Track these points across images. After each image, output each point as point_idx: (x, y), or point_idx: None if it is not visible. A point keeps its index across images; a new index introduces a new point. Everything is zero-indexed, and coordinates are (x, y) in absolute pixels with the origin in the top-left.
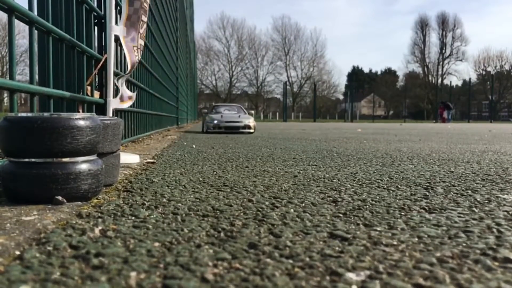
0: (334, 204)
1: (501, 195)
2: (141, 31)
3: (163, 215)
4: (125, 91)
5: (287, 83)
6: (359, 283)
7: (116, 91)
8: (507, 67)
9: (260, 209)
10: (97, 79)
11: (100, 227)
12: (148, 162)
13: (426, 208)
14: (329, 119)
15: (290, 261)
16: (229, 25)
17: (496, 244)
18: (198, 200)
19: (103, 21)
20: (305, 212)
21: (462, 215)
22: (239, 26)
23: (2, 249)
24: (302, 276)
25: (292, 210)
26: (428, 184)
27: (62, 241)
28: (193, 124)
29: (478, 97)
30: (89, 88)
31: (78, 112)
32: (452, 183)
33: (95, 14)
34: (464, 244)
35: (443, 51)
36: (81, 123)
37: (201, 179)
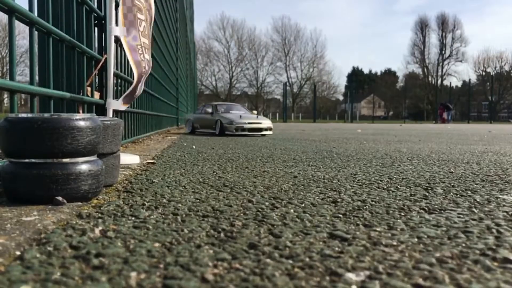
0: (334, 204)
1: (500, 196)
2: (141, 29)
3: (163, 216)
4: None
5: (287, 83)
6: (358, 283)
7: (116, 92)
8: (506, 68)
9: (260, 209)
10: (97, 80)
11: (100, 228)
12: (148, 163)
13: (426, 208)
14: (329, 119)
15: (290, 261)
16: (229, 26)
17: (496, 244)
18: (198, 200)
19: (103, 22)
20: (305, 213)
21: (461, 216)
22: (239, 27)
23: (3, 249)
24: (302, 276)
25: (292, 210)
26: (427, 185)
27: (63, 242)
28: None
29: (477, 98)
30: (89, 88)
31: (78, 112)
32: (452, 184)
33: (95, 15)
34: (464, 245)
35: (443, 52)
36: (81, 123)
37: (201, 179)
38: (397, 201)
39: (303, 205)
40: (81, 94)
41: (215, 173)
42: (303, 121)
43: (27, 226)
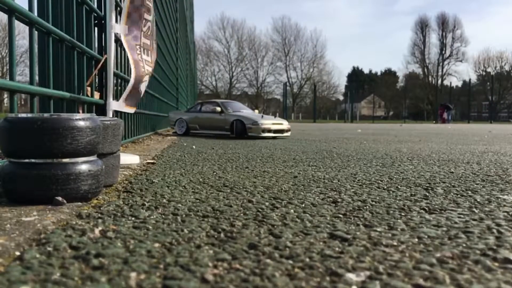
0: (334, 204)
1: (501, 196)
2: (144, 29)
3: (163, 216)
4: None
5: (287, 83)
6: (359, 284)
7: (116, 92)
8: (507, 67)
9: (260, 209)
10: (97, 80)
11: (100, 228)
12: (148, 163)
13: (426, 208)
14: (329, 119)
15: (290, 261)
16: (229, 26)
17: (496, 244)
18: (198, 200)
19: (103, 21)
20: (305, 213)
21: (462, 216)
22: (239, 27)
23: (2, 250)
24: (302, 277)
25: (292, 210)
26: (428, 185)
27: (62, 242)
28: None
29: (478, 97)
30: (89, 88)
31: (78, 112)
32: (452, 184)
33: (95, 14)
34: (464, 245)
35: (443, 51)
36: (81, 123)
37: (201, 179)
38: (397, 201)
39: (303, 205)
40: (81, 94)
41: (215, 173)
42: (303, 121)
43: (27, 226)
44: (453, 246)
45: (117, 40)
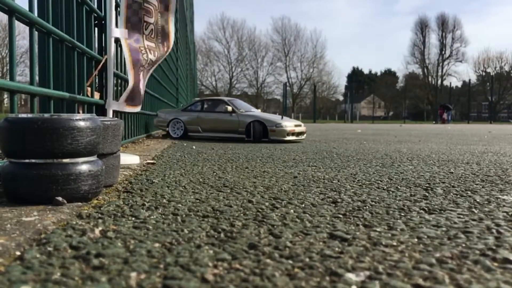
0: (334, 205)
1: (500, 196)
2: (146, 32)
3: (163, 216)
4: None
5: (287, 84)
6: (358, 284)
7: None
8: (506, 68)
9: (260, 209)
10: (97, 80)
11: (100, 228)
12: (148, 163)
13: (426, 209)
14: (329, 120)
15: (290, 261)
16: (229, 26)
17: (496, 244)
18: (198, 201)
19: (103, 22)
20: (305, 213)
21: (461, 216)
22: (239, 27)
23: (3, 250)
24: (302, 277)
25: (292, 211)
26: (427, 185)
27: (63, 242)
28: None
29: (477, 98)
30: (89, 89)
31: (79, 113)
32: (452, 184)
33: (95, 15)
34: (464, 245)
35: (443, 52)
36: (82, 124)
37: (201, 180)
38: (397, 201)
39: (303, 205)
40: (81, 94)
41: (215, 173)
42: (303, 121)
43: (27, 226)
44: (452, 246)
45: (117, 41)
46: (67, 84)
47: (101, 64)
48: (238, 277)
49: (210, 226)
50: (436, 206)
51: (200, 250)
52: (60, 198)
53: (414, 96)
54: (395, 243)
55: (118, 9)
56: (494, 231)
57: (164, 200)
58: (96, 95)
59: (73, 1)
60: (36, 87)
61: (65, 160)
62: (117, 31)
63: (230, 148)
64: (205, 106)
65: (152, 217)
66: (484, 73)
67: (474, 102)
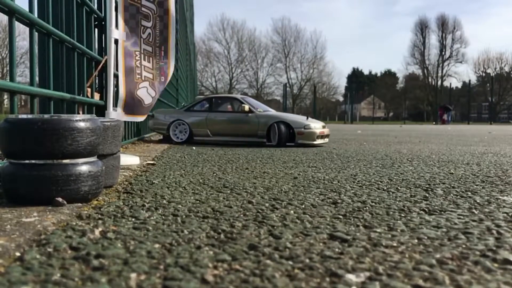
0: (334, 205)
1: (500, 197)
2: (144, 36)
3: (163, 217)
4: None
5: (287, 84)
6: (358, 284)
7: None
8: (506, 69)
9: (260, 210)
10: (97, 81)
11: (100, 229)
12: (148, 164)
13: (426, 209)
14: (329, 120)
15: (290, 262)
16: (229, 27)
17: (496, 245)
18: (198, 201)
19: (103, 23)
20: (305, 214)
21: (461, 217)
22: (239, 28)
23: (3, 250)
24: (302, 278)
25: (292, 211)
26: (428, 186)
27: (62, 243)
28: None
29: (477, 99)
30: (89, 89)
31: (79, 113)
32: (452, 185)
33: (95, 16)
34: (464, 246)
35: (443, 53)
36: (82, 124)
37: (201, 180)
38: (397, 202)
39: (303, 206)
40: (81, 95)
41: (215, 174)
42: None
43: (27, 227)
44: (452, 247)
45: (117, 42)
46: (67, 85)
47: (101, 64)
48: (238, 278)
49: (210, 227)
50: (436, 207)
51: (200, 251)
52: (60, 199)
53: (414, 97)
54: (395, 244)
55: (118, 12)
56: (494, 232)
57: (164, 201)
58: (96, 96)
59: (73, 2)
60: (36, 88)
61: (65, 161)
62: (116, 32)
63: (230, 148)
64: (214, 105)
65: (152, 218)
66: (484, 74)
67: (474, 103)
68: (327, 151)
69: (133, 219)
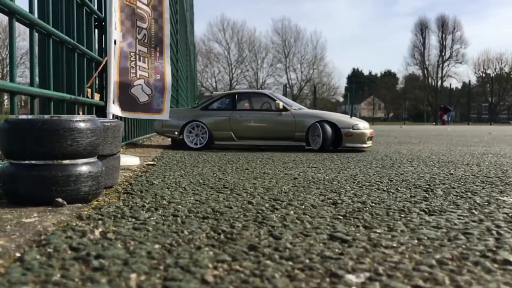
0: (334, 206)
1: (500, 197)
2: (139, 37)
3: (163, 217)
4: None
5: (287, 85)
6: (358, 285)
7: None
8: (506, 69)
9: (260, 211)
10: (97, 82)
11: (100, 229)
12: (148, 164)
13: (426, 210)
14: None
15: (290, 263)
16: (229, 28)
17: (496, 246)
18: (198, 202)
19: (103, 23)
20: (305, 214)
21: (461, 217)
22: (239, 29)
23: (3, 251)
24: (302, 278)
25: (292, 212)
26: (428, 186)
27: (63, 243)
28: None
29: (477, 99)
30: (89, 90)
31: (79, 114)
32: (452, 185)
33: (96, 16)
34: (464, 246)
35: (443, 53)
36: (82, 125)
37: (201, 181)
38: (397, 202)
39: (303, 206)
40: (81, 95)
41: (215, 174)
42: None
43: (27, 227)
44: (452, 248)
45: (116, 42)
46: (67, 85)
47: (102, 66)
48: (238, 278)
49: (210, 227)
50: (436, 208)
51: (200, 251)
52: (60, 199)
53: (414, 98)
54: (395, 245)
55: (115, 13)
56: (494, 232)
57: (164, 202)
58: (96, 96)
59: (73, 2)
60: (36, 89)
61: (65, 161)
62: (115, 33)
63: (230, 149)
64: (238, 102)
65: (152, 218)
66: (484, 75)
67: (474, 104)
68: (327, 151)
69: (133, 220)
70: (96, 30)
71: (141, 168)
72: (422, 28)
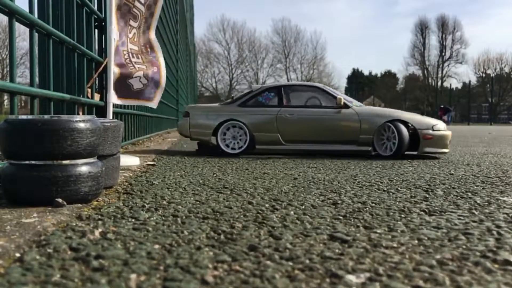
0: (334, 206)
1: (501, 198)
2: (130, 35)
3: (163, 217)
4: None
5: None
6: (359, 285)
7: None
8: (507, 69)
9: (260, 211)
10: (97, 82)
11: (100, 229)
12: (148, 164)
13: (426, 210)
14: None
15: (290, 263)
16: (229, 28)
17: (496, 246)
18: (198, 202)
19: (103, 23)
20: (305, 215)
21: (462, 218)
22: (239, 29)
23: (2, 251)
24: (302, 278)
25: (292, 212)
26: (428, 187)
27: (62, 243)
28: None
29: (478, 99)
30: (89, 90)
31: (79, 114)
32: (452, 186)
33: (96, 16)
34: (464, 246)
35: (443, 53)
36: (82, 125)
37: (201, 181)
38: (397, 203)
39: (303, 207)
40: (81, 96)
41: (215, 175)
42: None
43: (27, 228)
44: (453, 248)
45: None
46: (67, 86)
47: (102, 66)
48: (238, 278)
49: (210, 227)
50: (436, 208)
51: (200, 251)
52: (60, 200)
53: (414, 98)
54: (395, 245)
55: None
56: (494, 232)
57: (164, 202)
58: (96, 97)
59: (73, 2)
60: (36, 89)
61: (65, 162)
62: (114, 32)
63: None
64: (286, 97)
65: (152, 218)
66: (484, 75)
67: (474, 104)
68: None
69: (133, 220)
70: (96, 30)
71: (141, 168)
72: (422, 28)
